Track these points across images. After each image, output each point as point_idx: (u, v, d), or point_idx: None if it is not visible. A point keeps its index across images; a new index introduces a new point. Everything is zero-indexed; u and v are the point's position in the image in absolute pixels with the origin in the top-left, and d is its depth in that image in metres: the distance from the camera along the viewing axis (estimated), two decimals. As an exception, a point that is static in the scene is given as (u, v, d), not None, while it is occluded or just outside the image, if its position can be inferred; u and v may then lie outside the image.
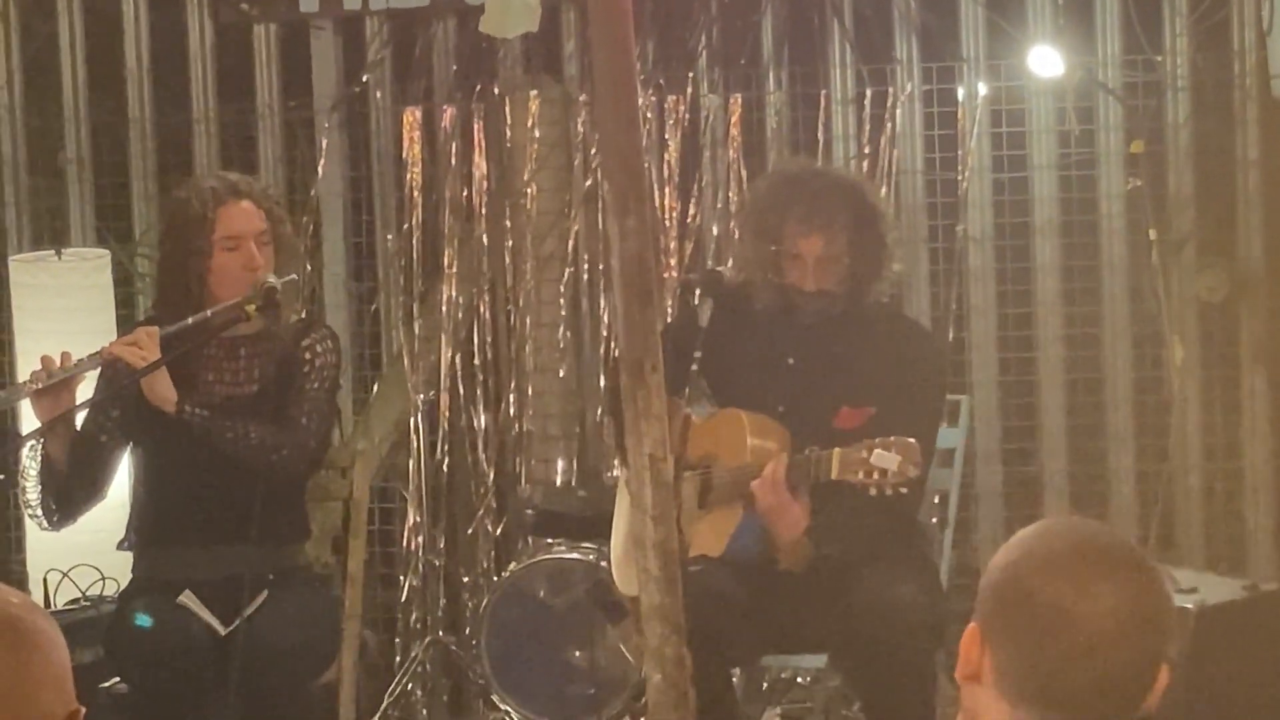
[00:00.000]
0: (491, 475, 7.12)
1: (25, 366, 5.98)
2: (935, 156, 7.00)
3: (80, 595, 6.04)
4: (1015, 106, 6.94)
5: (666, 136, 6.97)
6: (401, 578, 7.04)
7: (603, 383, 6.77)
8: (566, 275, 7.04)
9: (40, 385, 5.21)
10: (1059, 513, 6.09)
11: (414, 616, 7.00)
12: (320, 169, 7.11)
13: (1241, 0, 6.70)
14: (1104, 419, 6.96)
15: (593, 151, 6.83)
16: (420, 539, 7.06)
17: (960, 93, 6.92)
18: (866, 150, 6.94)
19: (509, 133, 7.03)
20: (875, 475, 4.93)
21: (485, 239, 7.08)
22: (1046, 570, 2.37)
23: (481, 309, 7.13)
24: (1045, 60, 6.80)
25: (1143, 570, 2.39)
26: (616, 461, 6.32)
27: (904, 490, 4.94)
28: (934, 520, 5.89)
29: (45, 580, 6.16)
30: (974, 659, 2.42)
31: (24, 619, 2.25)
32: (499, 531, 7.06)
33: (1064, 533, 2.46)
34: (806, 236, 5.28)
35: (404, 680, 6.77)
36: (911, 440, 4.93)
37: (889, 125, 6.93)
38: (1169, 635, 2.40)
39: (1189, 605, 5.14)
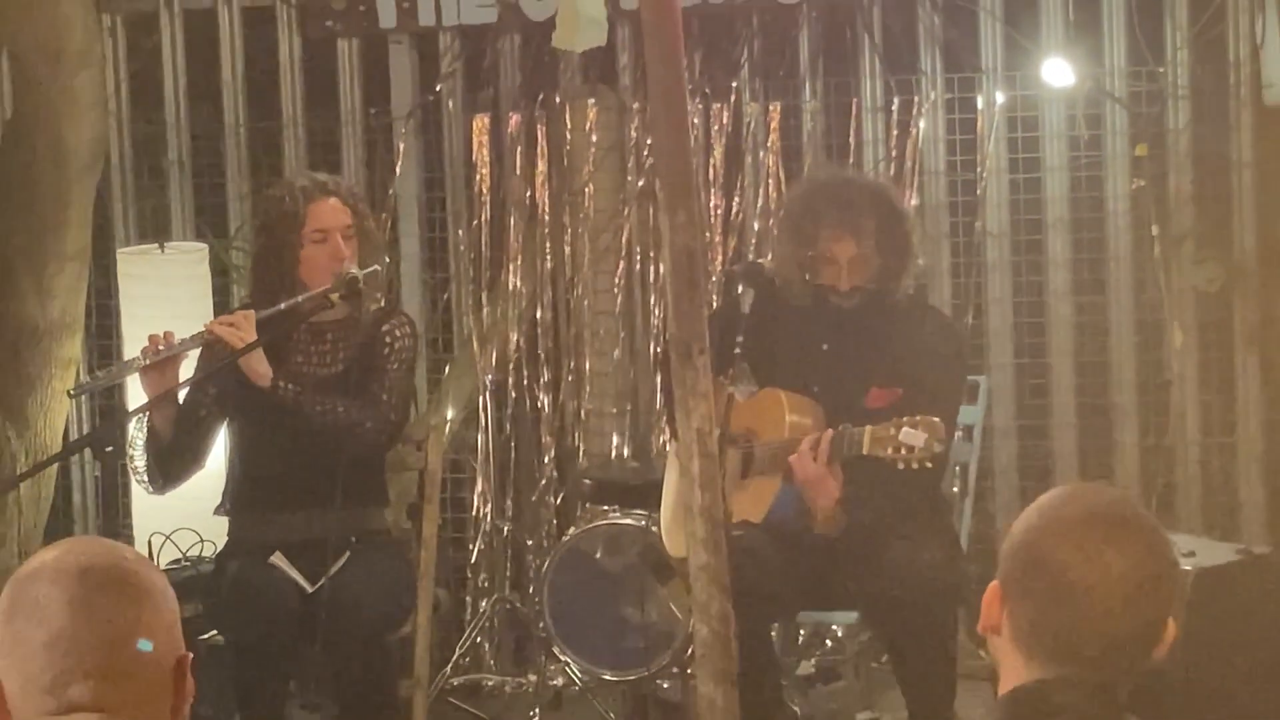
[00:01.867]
0: (552, 449, 7.12)
1: (131, 349, 6.01)
2: (956, 159, 6.98)
3: (181, 556, 6.06)
4: (1029, 114, 6.92)
5: (712, 141, 6.96)
6: (471, 542, 7.05)
7: (654, 364, 6.77)
8: (620, 267, 7.03)
9: (148, 361, 5.24)
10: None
11: (482, 577, 7.01)
12: (398, 170, 7.11)
13: (1237, 16, 6.68)
14: (1110, 398, 6.94)
15: (645, 154, 6.83)
16: (488, 506, 7.06)
17: (979, 101, 6.90)
18: (894, 154, 6.93)
19: (569, 137, 7.02)
20: (903, 451, 4.93)
21: (547, 234, 7.09)
22: (1061, 536, 2.38)
23: (543, 298, 7.13)
24: (1057, 71, 6.79)
25: (1149, 535, 2.40)
26: (667, 435, 6.34)
27: (929, 464, 4.95)
28: (955, 490, 5.88)
29: (150, 542, 6.19)
30: (995, 614, 2.44)
31: (139, 573, 2.26)
32: (559, 500, 7.07)
33: (1078, 500, 2.46)
34: (839, 241, 5.29)
35: (473, 634, 6.78)
36: (936, 419, 4.93)
37: (915, 131, 6.92)
38: (1173, 596, 2.40)
39: (1188, 567, 5.14)
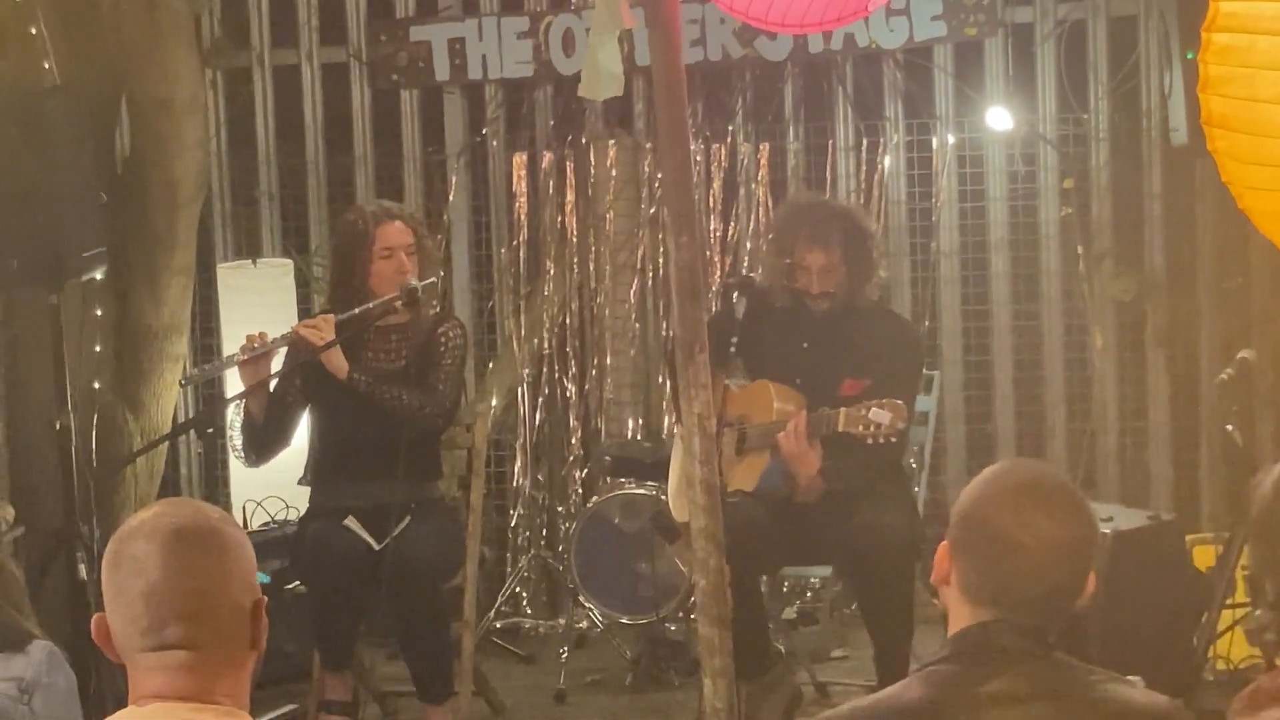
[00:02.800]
0: (578, 430, 7.13)
1: (230, 347, 6.03)
2: (915, 190, 7.00)
3: (270, 519, 6.08)
4: (975, 153, 6.93)
5: (712, 175, 6.97)
6: (511, 508, 7.06)
7: (663, 360, 6.77)
8: (635, 280, 7.04)
9: (245, 357, 5.25)
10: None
11: (520, 537, 7.02)
12: (450, 199, 7.13)
13: (1148, 72, 6.69)
14: (1042, 389, 6.95)
15: (655, 186, 6.84)
16: (525, 479, 7.07)
17: (934, 142, 6.92)
18: (863, 186, 6.94)
19: (592, 172, 7.03)
20: (871, 428, 4.93)
21: (574, 253, 7.09)
22: (1000, 504, 2.38)
23: (571, 305, 7.14)
24: (998, 117, 6.80)
25: (1074, 504, 2.40)
26: (673, 419, 6.34)
27: (893, 439, 4.95)
28: (914, 465, 5.88)
29: (244, 508, 6.20)
30: (945, 568, 2.44)
31: (221, 530, 2.25)
32: (584, 473, 7.07)
33: (1015, 473, 2.46)
34: (811, 251, 5.29)
35: (512, 585, 6.78)
36: (899, 401, 4.93)
37: (880, 167, 6.93)
38: (1094, 554, 2.41)
39: (1106, 531, 5.13)
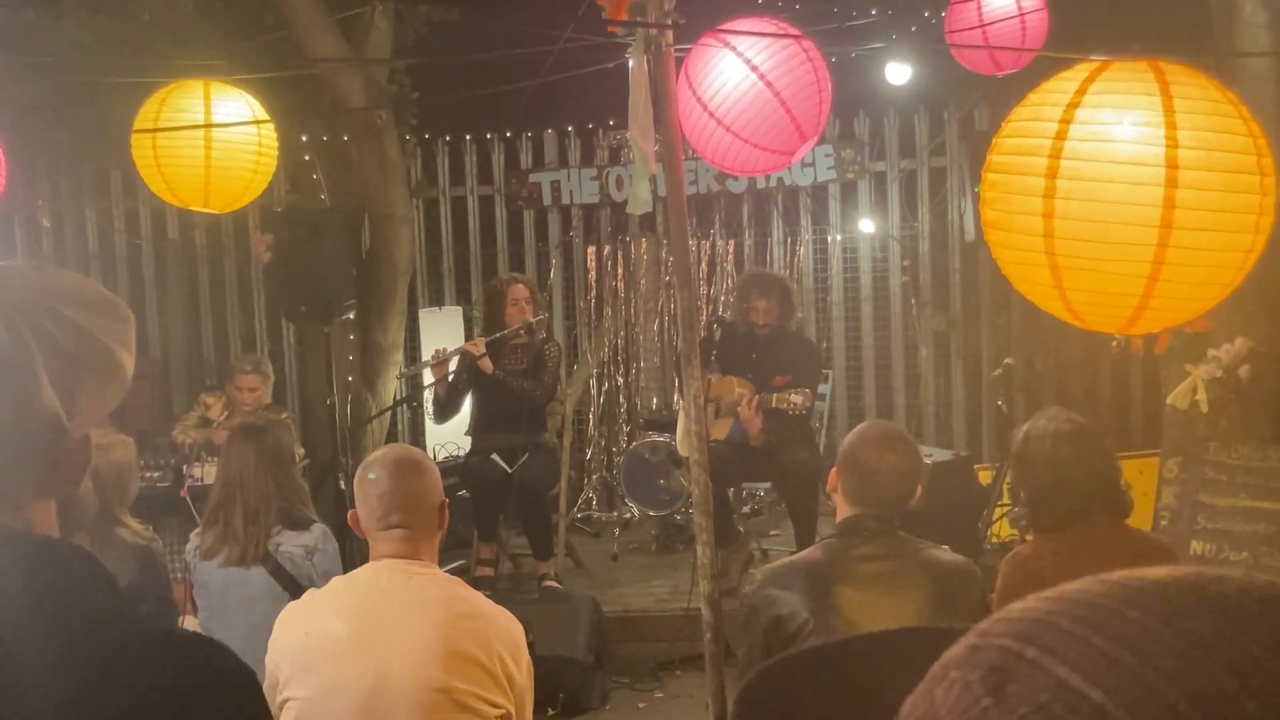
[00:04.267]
0: (624, 405, 7.13)
1: (425, 356, 6.04)
2: (818, 267, 6.98)
3: (449, 455, 6.10)
4: (852, 245, 6.92)
5: (700, 258, 6.97)
6: (587, 448, 7.06)
7: (673, 364, 6.77)
8: (657, 320, 7.05)
9: (435, 361, 5.29)
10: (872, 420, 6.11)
11: (592, 465, 7.03)
12: (552, 272, 7.14)
13: (952, 196, 6.68)
14: (891, 381, 6.93)
15: (668, 265, 6.85)
16: (595, 431, 7.08)
17: (829, 239, 6.90)
18: (788, 265, 6.94)
19: (633, 257, 7.04)
20: (790, 406, 4.92)
21: (622, 303, 7.10)
22: (865, 445, 2.38)
23: (620, 334, 7.15)
24: (866, 224, 6.78)
25: (909, 445, 2.40)
26: (679, 398, 6.33)
27: (803, 412, 4.94)
28: (818, 425, 5.87)
29: (433, 448, 6.22)
30: (834, 483, 2.43)
31: (421, 460, 2.25)
32: (628, 428, 7.06)
33: (873, 428, 2.46)
34: (760, 300, 5.30)
35: (587, 492, 6.80)
36: (807, 389, 4.93)
37: (799, 253, 6.91)
38: (920, 475, 2.40)
39: (928, 461, 5.09)
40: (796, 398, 4.92)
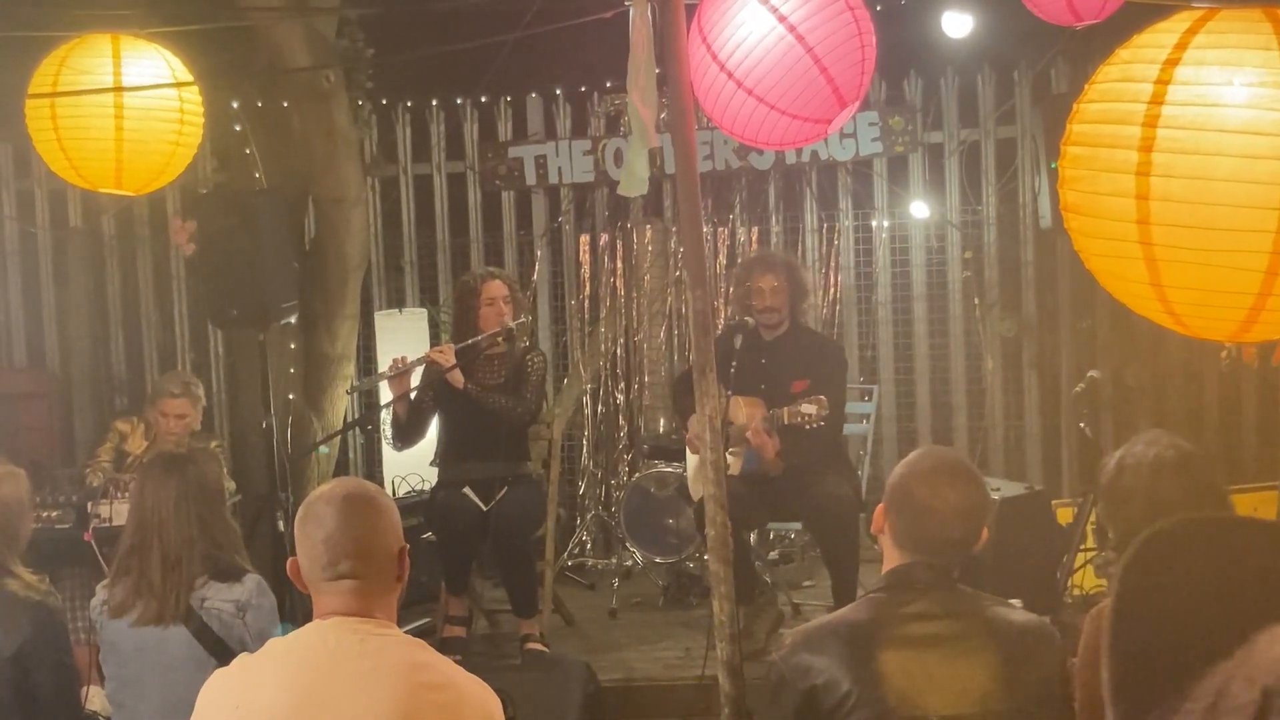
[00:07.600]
0: (625, 427, 7.14)
1: (382, 367, 6.06)
2: (860, 260, 7.01)
3: (411, 489, 6.09)
4: (902, 233, 6.95)
5: (717, 250, 6.99)
6: (580, 480, 7.07)
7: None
8: (664, 324, 7.05)
9: (393, 373, 5.28)
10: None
11: (585, 501, 7.03)
12: (536, 267, 7.15)
13: (1023, 175, 6.71)
14: (949, 398, 6.94)
15: (678, 257, 6.85)
16: (590, 460, 7.08)
17: (874, 226, 6.92)
18: (823, 257, 6.95)
19: (635, 247, 7.06)
20: (804, 418, 4.93)
21: (622, 303, 7.10)
22: (919, 478, 2.38)
23: (619, 341, 7.15)
24: (919, 209, 6.81)
25: (972, 478, 2.39)
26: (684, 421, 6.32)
27: (821, 424, 4.93)
28: (861, 453, 5.86)
29: (392, 481, 6.22)
30: (881, 523, 2.43)
31: (377, 497, 2.25)
32: (630, 456, 7.06)
33: (930, 456, 2.46)
34: (762, 277, 5.31)
35: (579, 535, 6.80)
36: (821, 396, 4.93)
37: (836, 243, 6.93)
38: (986, 514, 2.40)
39: (995, 497, 5.10)
40: (809, 408, 4.91)
